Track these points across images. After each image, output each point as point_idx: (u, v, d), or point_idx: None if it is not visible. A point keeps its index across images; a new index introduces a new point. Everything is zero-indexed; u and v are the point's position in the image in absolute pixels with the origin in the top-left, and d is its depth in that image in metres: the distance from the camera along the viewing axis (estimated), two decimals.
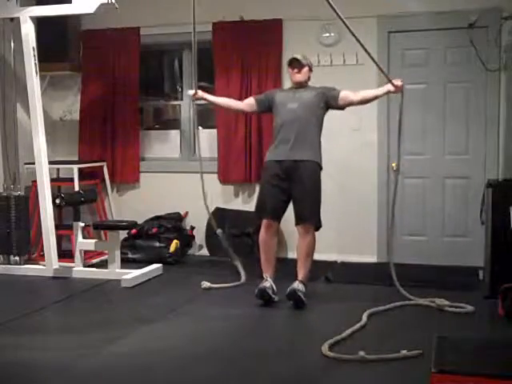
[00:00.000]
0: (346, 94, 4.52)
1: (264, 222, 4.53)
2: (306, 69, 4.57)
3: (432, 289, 4.60)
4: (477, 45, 5.38)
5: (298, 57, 4.55)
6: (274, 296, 4.36)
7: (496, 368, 2.57)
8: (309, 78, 4.62)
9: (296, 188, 4.42)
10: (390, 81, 4.44)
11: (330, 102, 4.54)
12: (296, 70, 4.55)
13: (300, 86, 4.59)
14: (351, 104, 4.56)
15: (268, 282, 4.40)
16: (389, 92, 4.49)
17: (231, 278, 4.99)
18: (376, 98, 4.64)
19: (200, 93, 4.77)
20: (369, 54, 4.06)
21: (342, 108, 4.59)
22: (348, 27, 3.63)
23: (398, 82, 4.41)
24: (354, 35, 3.71)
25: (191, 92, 4.79)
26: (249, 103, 4.76)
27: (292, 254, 5.60)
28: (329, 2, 3.25)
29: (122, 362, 3.34)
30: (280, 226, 4.66)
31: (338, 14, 3.43)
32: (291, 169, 4.41)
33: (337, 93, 4.54)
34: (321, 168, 4.52)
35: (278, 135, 4.51)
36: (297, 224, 4.48)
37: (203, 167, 4.97)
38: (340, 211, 5.74)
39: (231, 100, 4.94)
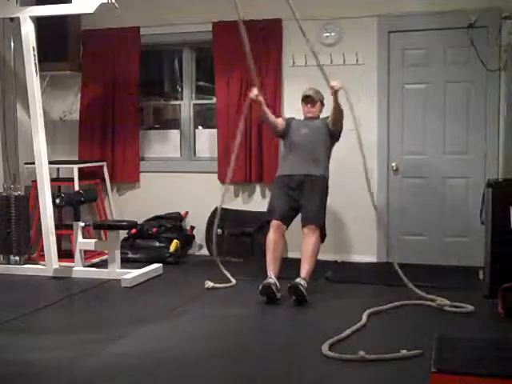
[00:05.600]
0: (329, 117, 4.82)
1: (273, 222, 4.69)
2: (318, 104, 4.93)
3: (432, 289, 4.60)
4: (477, 45, 5.37)
5: (311, 93, 4.88)
6: (277, 293, 4.39)
7: (496, 368, 2.57)
8: (320, 111, 4.96)
9: (304, 196, 4.69)
10: (328, 83, 4.61)
11: (329, 128, 4.82)
12: (309, 106, 4.92)
13: (312, 118, 4.93)
14: (334, 122, 4.78)
15: (272, 279, 4.44)
16: (334, 94, 4.59)
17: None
18: (336, 107, 4.70)
19: (260, 97, 4.88)
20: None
21: (336, 133, 4.85)
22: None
23: (333, 83, 4.58)
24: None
25: (256, 91, 4.84)
26: (281, 122, 5.02)
27: (292, 254, 5.60)
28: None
29: (122, 362, 3.34)
30: None
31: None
32: (301, 181, 4.71)
33: (328, 118, 4.84)
34: (327, 181, 4.80)
35: (290, 154, 4.86)
36: (303, 226, 4.64)
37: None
38: (340, 211, 5.74)
39: (272, 114, 5.08)
